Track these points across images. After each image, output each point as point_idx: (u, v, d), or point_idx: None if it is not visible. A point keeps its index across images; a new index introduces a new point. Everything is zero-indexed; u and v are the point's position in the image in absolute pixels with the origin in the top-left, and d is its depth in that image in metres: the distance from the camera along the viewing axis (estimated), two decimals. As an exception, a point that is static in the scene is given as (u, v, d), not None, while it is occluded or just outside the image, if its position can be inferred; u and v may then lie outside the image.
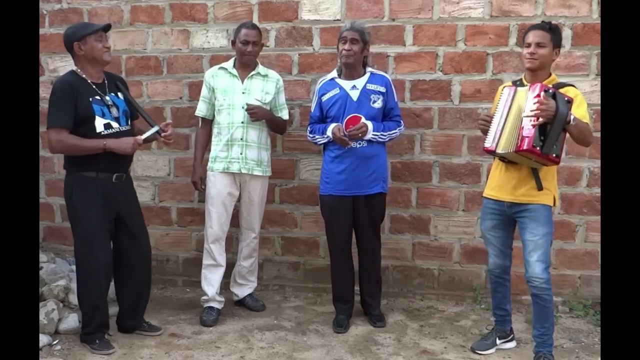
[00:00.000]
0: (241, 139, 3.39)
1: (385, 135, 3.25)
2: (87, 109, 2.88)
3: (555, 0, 3.49)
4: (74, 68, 2.97)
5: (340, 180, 3.23)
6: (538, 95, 2.55)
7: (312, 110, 3.35)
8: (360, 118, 3.18)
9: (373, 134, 3.18)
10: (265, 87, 3.45)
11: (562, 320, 3.47)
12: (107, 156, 2.89)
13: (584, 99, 2.71)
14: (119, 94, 3.06)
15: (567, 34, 3.49)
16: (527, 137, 2.57)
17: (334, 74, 3.30)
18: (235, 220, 3.59)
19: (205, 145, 3.53)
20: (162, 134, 3.02)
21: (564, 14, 3.49)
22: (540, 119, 2.54)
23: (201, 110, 3.52)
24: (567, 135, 2.63)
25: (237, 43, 3.38)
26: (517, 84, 2.80)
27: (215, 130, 3.48)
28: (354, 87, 3.22)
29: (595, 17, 3.47)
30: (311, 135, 3.34)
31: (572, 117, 2.55)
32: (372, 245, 3.37)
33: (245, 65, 3.43)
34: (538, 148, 2.57)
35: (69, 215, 3.03)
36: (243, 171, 3.41)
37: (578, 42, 3.51)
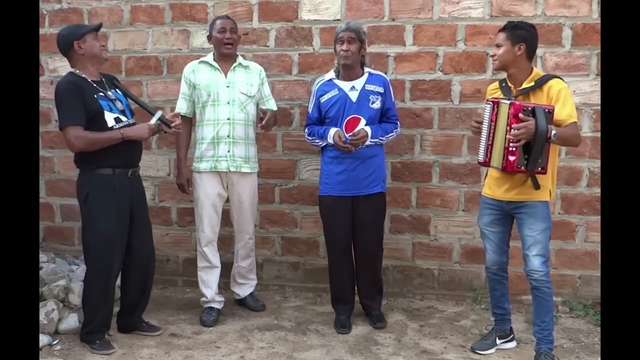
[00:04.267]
0: (228, 135, 3.32)
1: (383, 139, 3.25)
2: (95, 104, 2.92)
3: (555, 0, 3.49)
4: (71, 70, 3.00)
5: (339, 180, 3.21)
6: (515, 116, 2.60)
7: (310, 111, 3.32)
8: (360, 119, 3.18)
9: (371, 140, 3.18)
10: (248, 79, 3.38)
11: (562, 320, 3.47)
12: (121, 150, 2.94)
13: (569, 93, 2.70)
14: (117, 90, 3.10)
15: (567, 34, 3.49)
16: (511, 158, 2.64)
17: (331, 74, 3.28)
18: (228, 221, 3.58)
19: (188, 144, 3.47)
20: (172, 125, 3.06)
21: (564, 14, 3.49)
22: (522, 141, 2.60)
23: (181, 107, 3.40)
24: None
25: (214, 35, 3.31)
26: (503, 85, 2.85)
27: (198, 128, 3.41)
28: (352, 88, 3.20)
29: (595, 17, 3.47)
30: (310, 138, 3.32)
31: (552, 132, 2.58)
32: (371, 247, 3.32)
33: (226, 58, 3.35)
34: (523, 167, 2.66)
35: (82, 215, 3.03)
36: (231, 169, 3.33)
37: (578, 42, 3.51)
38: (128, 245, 3.08)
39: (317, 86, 3.29)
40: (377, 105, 3.22)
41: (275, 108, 3.53)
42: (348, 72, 3.21)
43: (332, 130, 3.17)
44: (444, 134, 3.71)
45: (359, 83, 3.21)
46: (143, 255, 3.15)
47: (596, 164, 3.55)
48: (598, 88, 3.48)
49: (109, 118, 2.95)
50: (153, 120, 3.02)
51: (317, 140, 3.28)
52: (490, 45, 3.57)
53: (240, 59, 3.41)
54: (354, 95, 3.19)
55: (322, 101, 3.24)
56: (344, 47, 3.12)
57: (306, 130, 3.35)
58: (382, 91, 3.23)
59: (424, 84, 3.68)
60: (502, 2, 3.54)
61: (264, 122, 3.28)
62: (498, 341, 3.06)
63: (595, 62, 3.50)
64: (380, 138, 3.23)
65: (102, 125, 2.92)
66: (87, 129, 2.89)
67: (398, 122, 3.35)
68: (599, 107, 3.47)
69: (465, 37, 3.60)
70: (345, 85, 3.21)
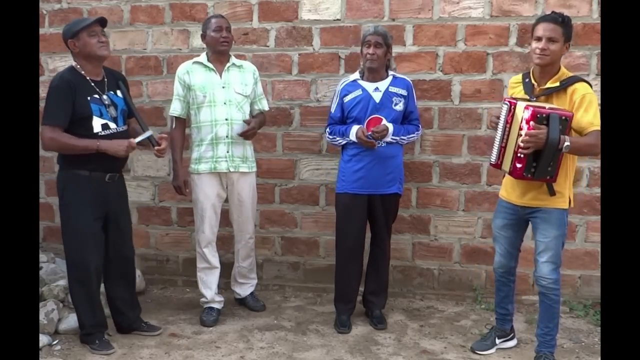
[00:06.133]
0: (226, 136, 3.31)
1: (404, 139, 3.27)
2: (85, 108, 2.84)
3: (555, 0, 3.49)
4: (73, 64, 2.93)
5: (356, 178, 3.23)
6: (529, 121, 2.49)
7: (333, 110, 3.32)
8: (382, 119, 3.19)
9: (392, 137, 3.19)
10: (243, 78, 3.37)
11: (562, 320, 3.46)
12: (100, 156, 2.85)
13: (593, 99, 2.58)
14: (118, 92, 3.03)
15: (567, 34, 3.49)
16: (518, 165, 2.58)
17: (356, 75, 3.30)
18: (227, 221, 3.57)
19: (183, 146, 3.45)
20: (156, 148, 2.98)
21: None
22: (530, 149, 2.51)
23: (176, 109, 3.38)
24: None
25: (209, 34, 3.27)
26: (526, 81, 2.74)
27: (194, 130, 3.39)
28: (376, 89, 3.22)
29: (595, 17, 3.47)
30: (330, 137, 3.33)
31: (565, 143, 2.47)
32: (385, 246, 3.39)
33: (220, 58, 3.34)
34: (530, 175, 2.59)
35: (60, 212, 3.00)
36: (231, 169, 3.33)
37: (578, 42, 3.50)
38: (106, 248, 3.03)
39: (342, 86, 3.30)
40: (399, 107, 3.23)
41: (266, 108, 3.53)
42: (373, 74, 3.23)
43: (355, 128, 3.19)
44: (444, 134, 3.70)
45: (383, 85, 3.23)
46: (121, 258, 3.11)
47: (596, 164, 3.55)
48: (598, 88, 3.47)
49: (97, 124, 2.87)
50: (139, 139, 2.94)
51: (337, 138, 3.29)
52: (490, 45, 3.58)
53: (233, 59, 3.39)
54: (377, 96, 3.21)
55: (345, 101, 3.26)
56: (371, 50, 3.14)
57: (327, 129, 3.36)
58: (405, 94, 3.25)
59: (424, 84, 3.67)
60: (502, 2, 3.54)
61: (242, 132, 3.28)
62: (497, 340, 3.07)
63: (595, 62, 3.50)
64: (402, 137, 3.24)
65: (87, 130, 2.84)
66: (70, 130, 2.82)
67: (420, 125, 3.36)
68: (599, 107, 3.46)
69: (465, 37, 3.60)
70: (369, 86, 3.23)
